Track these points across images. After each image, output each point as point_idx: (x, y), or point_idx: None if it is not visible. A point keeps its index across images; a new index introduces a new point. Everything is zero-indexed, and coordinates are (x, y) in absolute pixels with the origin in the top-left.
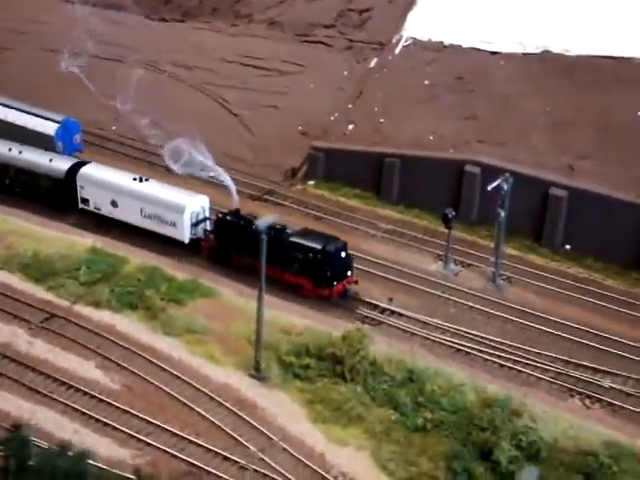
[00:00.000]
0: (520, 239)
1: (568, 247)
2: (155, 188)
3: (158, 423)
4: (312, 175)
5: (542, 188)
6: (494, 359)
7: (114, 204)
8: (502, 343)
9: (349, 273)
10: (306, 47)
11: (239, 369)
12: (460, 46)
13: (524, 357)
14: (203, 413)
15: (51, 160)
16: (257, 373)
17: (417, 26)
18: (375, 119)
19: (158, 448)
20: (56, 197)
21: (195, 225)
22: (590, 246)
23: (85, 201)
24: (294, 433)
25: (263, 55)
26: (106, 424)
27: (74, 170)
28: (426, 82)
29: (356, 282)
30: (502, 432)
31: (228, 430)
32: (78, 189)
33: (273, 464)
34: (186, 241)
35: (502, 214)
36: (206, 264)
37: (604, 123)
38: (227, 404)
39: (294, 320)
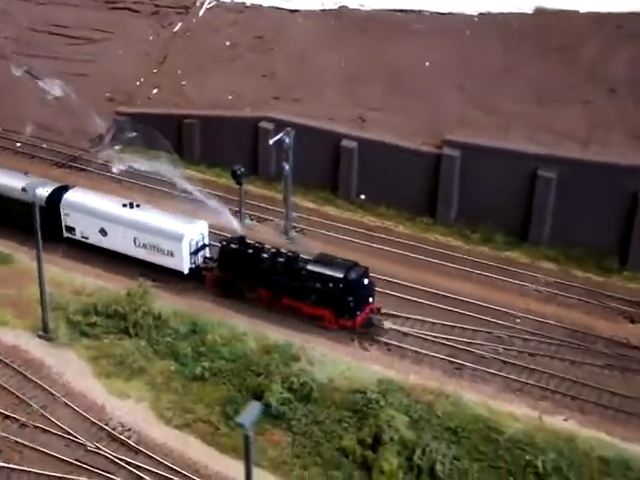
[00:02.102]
0: (317, 192)
1: (363, 197)
2: (149, 215)
3: None
4: (118, 140)
5: (334, 140)
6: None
7: (103, 232)
8: None
9: (371, 300)
10: (114, 14)
11: (29, 331)
12: (261, 6)
13: None
14: None
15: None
16: (45, 333)
17: None
18: (178, 82)
19: None
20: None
21: (194, 253)
22: (382, 195)
23: (70, 229)
24: (78, 389)
25: (71, 23)
26: None
27: (56, 196)
28: (227, 43)
29: (379, 309)
30: (275, 376)
31: (13, 390)
32: (62, 217)
33: (54, 419)
34: (185, 271)
35: (287, 167)
36: None
37: (394, 75)
38: (14, 365)
39: (88, 281)
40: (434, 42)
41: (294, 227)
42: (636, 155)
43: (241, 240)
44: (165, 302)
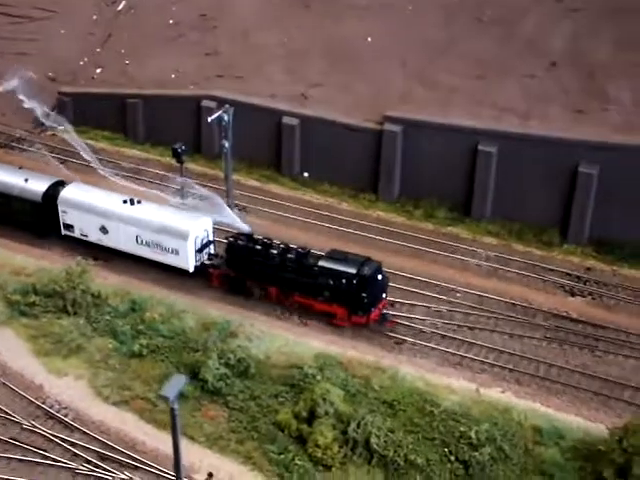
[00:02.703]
0: (260, 170)
1: (306, 175)
2: (151, 212)
3: None
4: (61, 120)
5: (276, 118)
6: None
7: (104, 230)
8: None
9: (384, 295)
10: None
11: None
12: None
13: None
14: None
15: (26, 180)
16: None
17: None
18: (122, 61)
19: None
20: (34, 222)
21: (200, 251)
22: (325, 172)
23: (69, 227)
24: (15, 368)
25: (13, 1)
26: None
27: (52, 192)
28: (171, 21)
29: (392, 304)
30: (212, 352)
31: None
32: (60, 214)
33: None
34: (191, 270)
35: (227, 145)
36: None
37: (336, 51)
38: None
39: (29, 262)
40: (376, 17)
41: (236, 205)
42: (576, 129)
43: (249, 236)
44: (105, 281)
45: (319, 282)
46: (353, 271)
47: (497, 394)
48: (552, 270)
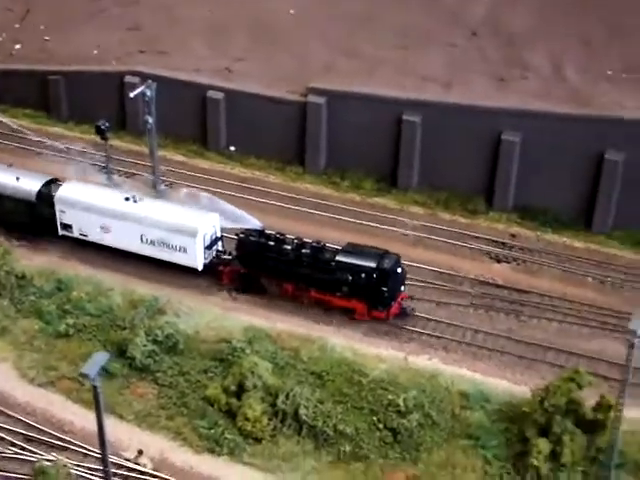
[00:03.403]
0: (187, 145)
1: (233, 148)
2: (156, 209)
3: None
4: None
5: (201, 92)
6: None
7: (105, 229)
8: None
9: (402, 288)
10: None
11: None
12: None
13: None
14: None
15: (18, 179)
16: None
17: None
18: (41, 37)
19: None
20: (28, 223)
21: (208, 248)
22: (252, 145)
23: (67, 227)
24: None
25: None
26: None
27: (48, 190)
28: None
29: (411, 298)
30: (139, 329)
31: None
32: (57, 213)
33: None
34: (200, 268)
35: (150, 121)
36: None
37: (259, 24)
38: None
39: None
40: None
41: (163, 181)
42: (498, 97)
43: (261, 232)
44: (31, 262)
45: (337, 277)
46: (373, 265)
47: (425, 361)
48: (478, 237)
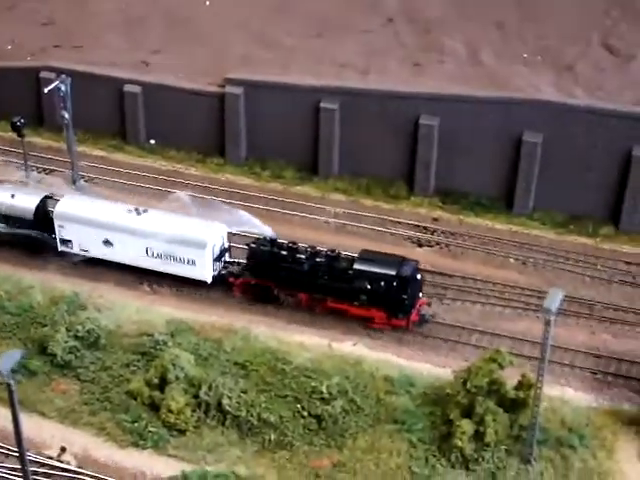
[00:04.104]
0: (107, 140)
1: (153, 142)
2: (161, 221)
3: None
4: None
5: (118, 86)
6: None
7: (108, 244)
8: None
9: (420, 294)
10: None
11: None
12: None
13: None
14: None
15: (13, 196)
16: None
17: None
18: None
19: None
20: (26, 240)
21: (217, 259)
22: (172, 138)
23: (66, 242)
24: None
25: None
26: None
27: (46, 206)
28: None
29: (429, 304)
30: (60, 326)
31: None
32: (57, 229)
33: None
34: (209, 281)
35: (66, 116)
36: None
37: (176, 16)
38: None
39: None
40: None
41: (82, 177)
42: (415, 81)
43: (272, 241)
44: None
45: (355, 286)
46: (392, 272)
47: (349, 348)
48: (400, 223)
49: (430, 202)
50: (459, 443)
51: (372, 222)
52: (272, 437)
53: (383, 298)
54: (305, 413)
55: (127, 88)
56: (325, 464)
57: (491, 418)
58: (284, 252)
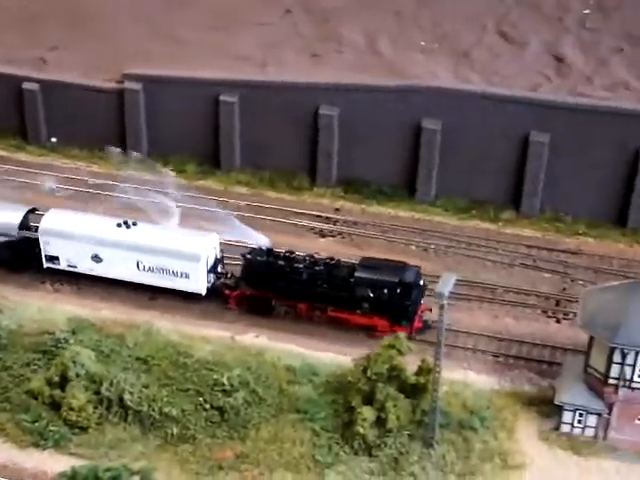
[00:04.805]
0: (7, 139)
1: (54, 140)
2: (152, 234)
3: None
4: None
5: (16, 84)
6: None
7: (97, 259)
8: None
9: (422, 300)
10: None
11: None
12: None
13: None
14: None
15: None
16: None
17: None
18: None
19: None
20: (9, 258)
21: (211, 271)
22: (73, 136)
23: (53, 259)
24: None
25: None
26: None
27: (29, 222)
28: None
29: (430, 310)
30: None
31: None
32: (42, 245)
33: None
34: (204, 293)
35: None
36: None
37: (73, 12)
38: None
39: None
40: None
41: None
42: (314, 72)
43: (269, 251)
44: None
45: (357, 294)
46: (395, 279)
47: (251, 339)
48: (303, 214)
49: (333, 192)
50: (361, 430)
51: (275, 214)
52: (174, 431)
53: (386, 305)
54: (207, 406)
55: (25, 86)
56: (228, 456)
57: (392, 404)
58: (281, 262)
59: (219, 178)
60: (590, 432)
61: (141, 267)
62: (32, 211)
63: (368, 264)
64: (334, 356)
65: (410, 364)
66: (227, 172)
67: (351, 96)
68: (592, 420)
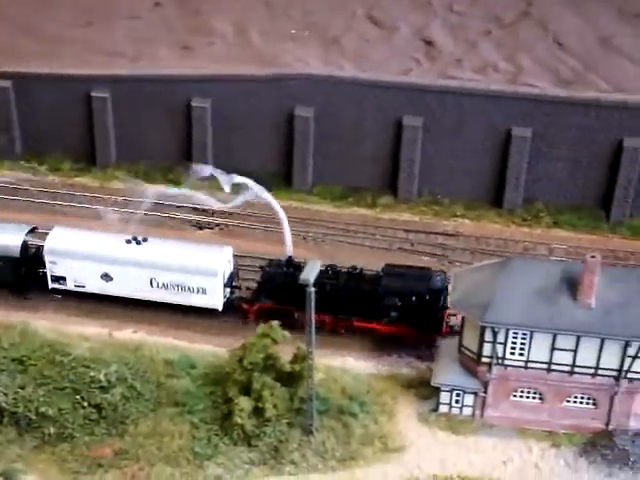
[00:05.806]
0: None
1: None
2: (165, 250)
3: None
4: None
5: None
6: None
7: (107, 277)
8: None
9: (445, 305)
10: None
11: None
12: None
13: None
14: None
15: None
16: None
17: None
18: None
19: None
20: (12, 280)
21: (227, 285)
22: None
23: (59, 279)
24: None
25: None
26: None
27: (32, 242)
28: None
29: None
30: None
31: None
32: (48, 265)
33: None
34: (220, 308)
35: None
36: None
37: None
38: None
39: None
40: None
41: None
42: (186, 64)
43: (288, 262)
44: None
45: (384, 303)
46: (424, 286)
47: (130, 335)
48: (180, 207)
49: (209, 184)
50: (239, 420)
51: (152, 208)
52: (52, 431)
53: (414, 313)
54: (85, 403)
55: None
56: (107, 452)
57: (269, 393)
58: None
59: (95, 175)
60: (468, 411)
61: (155, 284)
62: (33, 230)
63: (393, 272)
64: (212, 348)
65: (286, 353)
66: (103, 168)
67: (223, 87)
68: (469, 399)
